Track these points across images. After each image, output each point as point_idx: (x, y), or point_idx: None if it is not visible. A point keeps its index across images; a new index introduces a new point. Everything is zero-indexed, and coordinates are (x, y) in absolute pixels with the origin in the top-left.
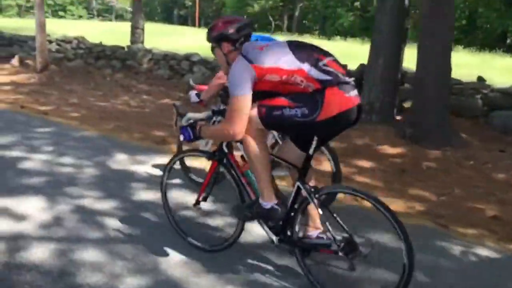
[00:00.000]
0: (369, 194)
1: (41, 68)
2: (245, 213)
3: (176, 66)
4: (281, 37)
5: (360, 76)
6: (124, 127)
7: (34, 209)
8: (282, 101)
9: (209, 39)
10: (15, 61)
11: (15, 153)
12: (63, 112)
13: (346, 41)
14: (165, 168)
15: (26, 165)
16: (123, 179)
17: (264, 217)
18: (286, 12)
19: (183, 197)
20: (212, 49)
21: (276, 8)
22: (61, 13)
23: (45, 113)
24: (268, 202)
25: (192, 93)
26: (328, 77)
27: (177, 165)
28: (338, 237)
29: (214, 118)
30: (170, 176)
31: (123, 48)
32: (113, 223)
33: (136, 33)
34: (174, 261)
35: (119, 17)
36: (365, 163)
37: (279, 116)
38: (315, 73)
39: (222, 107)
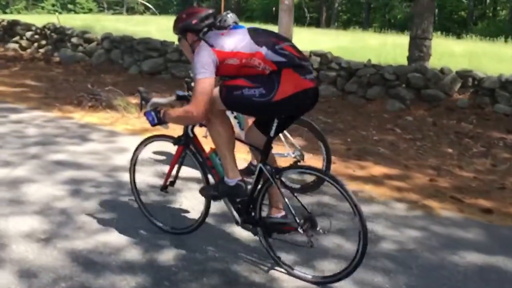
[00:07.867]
0: (324, 172)
1: None
2: (211, 192)
3: None
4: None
5: None
6: None
7: None
8: (242, 81)
9: (175, 30)
10: None
11: None
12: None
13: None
14: (134, 152)
15: None
16: None
17: (230, 194)
18: (324, 3)
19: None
20: (179, 40)
21: None
22: (70, 6)
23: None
24: (233, 179)
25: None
26: (283, 59)
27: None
28: (299, 216)
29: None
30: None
31: (413, 69)
32: None
33: (423, 46)
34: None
35: (130, 9)
36: None
37: (239, 96)
38: (271, 55)
39: (187, 93)
